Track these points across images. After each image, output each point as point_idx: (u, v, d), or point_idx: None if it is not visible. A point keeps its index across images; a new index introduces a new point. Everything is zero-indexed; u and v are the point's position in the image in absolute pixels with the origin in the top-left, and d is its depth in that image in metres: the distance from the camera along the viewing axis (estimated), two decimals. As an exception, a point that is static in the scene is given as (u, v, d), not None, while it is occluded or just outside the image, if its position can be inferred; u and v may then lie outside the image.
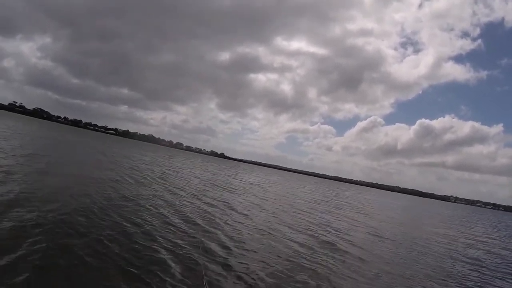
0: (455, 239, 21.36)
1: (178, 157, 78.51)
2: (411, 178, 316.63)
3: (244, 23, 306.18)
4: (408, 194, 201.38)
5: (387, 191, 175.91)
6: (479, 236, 26.35)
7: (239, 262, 8.40)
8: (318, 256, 10.73)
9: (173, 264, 7.23)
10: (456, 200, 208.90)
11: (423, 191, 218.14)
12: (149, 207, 13.14)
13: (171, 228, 10.52)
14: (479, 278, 11.62)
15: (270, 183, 50.48)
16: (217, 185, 27.97)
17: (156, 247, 8.31)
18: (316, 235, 14.37)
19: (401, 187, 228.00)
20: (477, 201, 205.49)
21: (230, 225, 13.02)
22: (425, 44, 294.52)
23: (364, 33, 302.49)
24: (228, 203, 18.60)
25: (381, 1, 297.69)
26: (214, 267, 7.70)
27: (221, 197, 20.75)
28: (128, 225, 9.78)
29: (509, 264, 15.34)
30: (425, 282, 9.92)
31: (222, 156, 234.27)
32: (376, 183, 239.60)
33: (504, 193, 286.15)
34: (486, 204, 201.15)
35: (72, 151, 33.34)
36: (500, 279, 12.11)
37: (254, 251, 9.71)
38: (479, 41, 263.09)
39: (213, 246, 9.37)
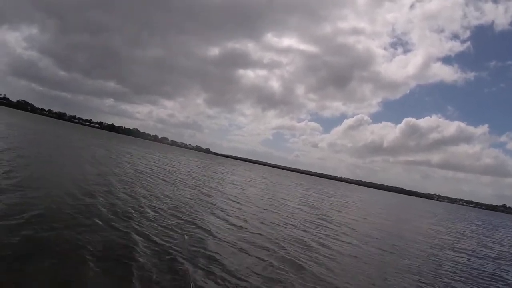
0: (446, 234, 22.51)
1: (171, 153, 78.56)
2: (395, 176, 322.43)
3: (235, 18, 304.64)
4: (392, 191, 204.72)
5: (372, 189, 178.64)
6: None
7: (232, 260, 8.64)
8: (327, 255, 11.41)
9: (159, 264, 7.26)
10: (439, 198, 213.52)
11: (407, 189, 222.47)
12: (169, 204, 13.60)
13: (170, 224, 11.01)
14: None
15: (261, 179, 51.30)
16: (224, 184, 28.61)
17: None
18: (317, 233, 15.06)
19: (386, 184, 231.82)
20: (460, 200, 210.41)
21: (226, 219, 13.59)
22: (415, 44, 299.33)
23: (355, 32, 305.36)
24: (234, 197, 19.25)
25: (374, 2, 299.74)
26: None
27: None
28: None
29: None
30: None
31: (207, 151, 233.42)
32: (360, 180, 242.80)
33: (487, 192, 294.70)
34: (469, 203, 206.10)
35: (76, 151, 32.86)
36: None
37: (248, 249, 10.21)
38: (468, 43, 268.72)
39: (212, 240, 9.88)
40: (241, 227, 12.31)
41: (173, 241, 8.81)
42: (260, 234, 11.75)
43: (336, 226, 17.33)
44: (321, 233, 14.33)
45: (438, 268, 11.87)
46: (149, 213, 11.29)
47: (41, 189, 11.01)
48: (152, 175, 22.47)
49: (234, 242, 9.97)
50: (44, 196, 10.20)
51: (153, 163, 33.46)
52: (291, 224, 15.11)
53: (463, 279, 11.00)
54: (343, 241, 13.67)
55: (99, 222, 8.94)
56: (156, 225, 9.95)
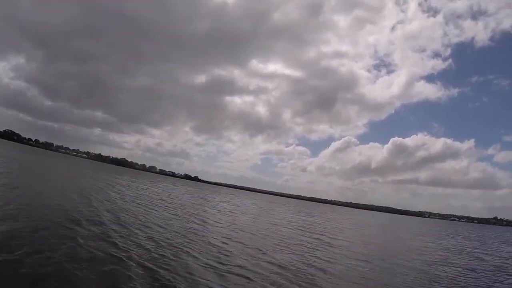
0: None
1: (162, 183, 79.51)
2: (385, 196, 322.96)
3: (220, 46, 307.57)
4: (382, 211, 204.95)
5: (363, 210, 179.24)
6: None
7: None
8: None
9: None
10: (430, 215, 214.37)
11: (398, 208, 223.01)
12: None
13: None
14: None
15: (254, 206, 51.82)
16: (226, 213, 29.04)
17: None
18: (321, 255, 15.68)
19: (376, 205, 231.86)
20: (451, 215, 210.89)
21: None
22: (398, 65, 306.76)
23: (339, 55, 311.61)
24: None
25: (355, 25, 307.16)
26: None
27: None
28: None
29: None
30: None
31: (196, 179, 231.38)
32: (351, 202, 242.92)
33: (477, 206, 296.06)
34: (460, 218, 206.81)
35: (72, 182, 33.03)
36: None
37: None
38: (450, 60, 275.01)
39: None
40: (244, 253, 13.09)
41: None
42: (266, 261, 12.38)
43: (335, 248, 17.99)
44: (322, 256, 14.99)
45: (439, 283, 12.52)
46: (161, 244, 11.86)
47: (55, 228, 11.41)
48: (155, 208, 22.96)
49: (241, 267, 10.74)
50: (63, 236, 10.60)
51: (151, 195, 33.86)
52: (291, 249, 15.77)
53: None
54: (344, 262, 14.35)
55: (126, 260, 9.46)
56: (170, 259, 10.49)
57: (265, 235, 19.03)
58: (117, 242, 10.98)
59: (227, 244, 14.45)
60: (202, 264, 10.38)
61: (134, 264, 9.00)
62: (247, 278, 9.75)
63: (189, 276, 8.89)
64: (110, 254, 9.52)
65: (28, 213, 12.55)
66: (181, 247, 12.11)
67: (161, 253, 10.73)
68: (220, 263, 10.91)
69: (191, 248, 12.19)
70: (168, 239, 13.08)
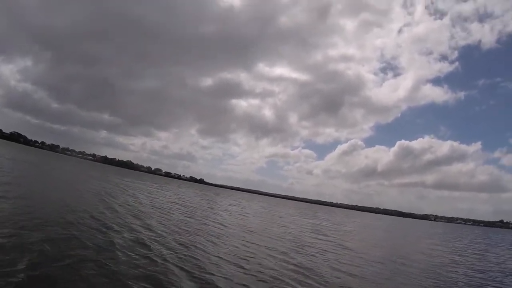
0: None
1: (169, 185, 79.45)
2: (391, 199, 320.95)
3: (227, 49, 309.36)
4: (388, 215, 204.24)
5: (369, 213, 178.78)
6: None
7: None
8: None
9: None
10: (436, 218, 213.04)
11: (403, 211, 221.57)
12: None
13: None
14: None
15: (263, 210, 52.35)
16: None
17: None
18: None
19: (382, 208, 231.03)
20: (457, 218, 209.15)
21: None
22: (404, 68, 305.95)
23: (345, 58, 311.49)
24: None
25: (362, 28, 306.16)
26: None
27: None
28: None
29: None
30: None
31: (201, 182, 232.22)
32: (356, 205, 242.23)
33: (483, 209, 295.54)
34: (466, 221, 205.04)
35: (86, 186, 33.83)
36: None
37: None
38: (457, 63, 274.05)
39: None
40: (264, 254, 13.60)
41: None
42: (284, 262, 12.98)
43: (347, 250, 18.53)
44: (334, 258, 15.48)
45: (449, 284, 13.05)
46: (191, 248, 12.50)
47: (88, 232, 12.16)
48: (172, 211, 23.65)
49: (259, 271, 11.16)
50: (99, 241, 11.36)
51: (165, 198, 34.69)
52: (305, 251, 16.31)
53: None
54: (358, 263, 14.85)
55: (153, 256, 10.13)
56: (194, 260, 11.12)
57: (279, 237, 19.60)
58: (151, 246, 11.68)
59: (247, 246, 15.10)
60: (230, 265, 11.04)
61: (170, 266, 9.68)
62: (269, 278, 10.35)
63: (220, 277, 9.52)
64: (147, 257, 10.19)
65: (54, 222, 12.53)
66: (208, 250, 12.83)
67: (189, 254, 11.40)
68: (243, 265, 11.56)
69: (216, 251, 12.91)
70: (192, 242, 13.71)
